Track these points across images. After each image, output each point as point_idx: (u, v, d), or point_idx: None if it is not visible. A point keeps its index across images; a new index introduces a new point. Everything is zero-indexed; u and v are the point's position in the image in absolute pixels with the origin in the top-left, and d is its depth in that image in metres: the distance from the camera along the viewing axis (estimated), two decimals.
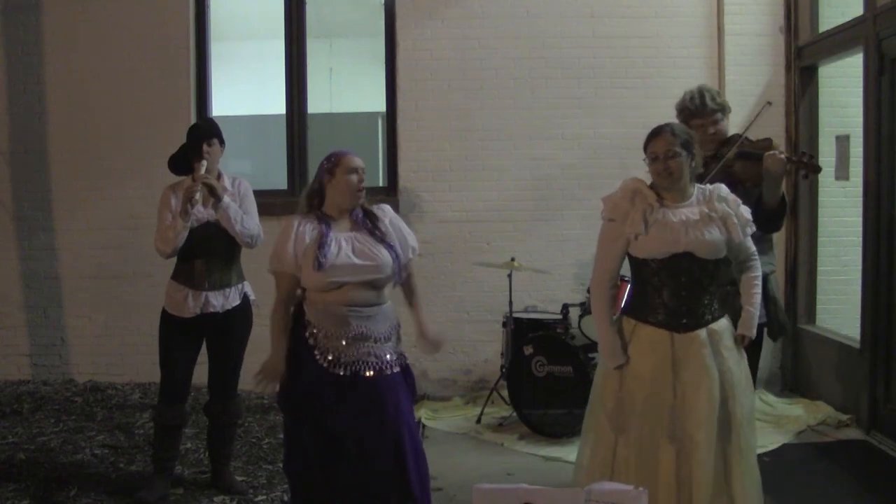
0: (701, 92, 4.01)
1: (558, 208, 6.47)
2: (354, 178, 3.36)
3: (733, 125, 6.31)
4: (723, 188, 3.38)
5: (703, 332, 3.25)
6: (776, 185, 3.73)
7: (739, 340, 3.34)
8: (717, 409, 3.20)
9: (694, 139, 3.36)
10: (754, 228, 3.36)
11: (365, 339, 3.30)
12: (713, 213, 3.26)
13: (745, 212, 3.34)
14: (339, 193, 3.38)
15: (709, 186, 3.37)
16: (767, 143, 3.87)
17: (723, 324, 3.32)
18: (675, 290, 3.26)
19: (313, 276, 3.26)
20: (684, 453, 3.19)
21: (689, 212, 3.26)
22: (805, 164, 3.78)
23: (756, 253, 3.40)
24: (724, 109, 4.02)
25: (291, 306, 3.40)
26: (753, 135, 4.04)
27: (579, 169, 6.43)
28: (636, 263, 3.35)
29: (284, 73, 6.68)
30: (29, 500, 4.25)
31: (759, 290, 3.38)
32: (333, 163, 3.39)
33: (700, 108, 3.97)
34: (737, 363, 3.30)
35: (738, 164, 3.83)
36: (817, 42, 6.13)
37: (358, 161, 3.40)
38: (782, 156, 3.69)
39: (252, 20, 7.65)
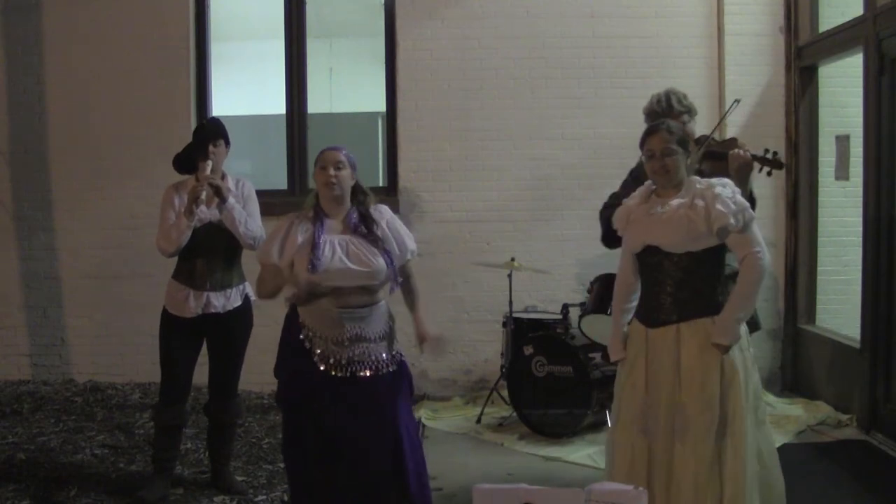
0: (668, 95, 4.14)
1: (558, 208, 6.47)
2: (322, 174, 3.35)
3: (732, 125, 6.37)
4: (713, 181, 3.27)
5: (672, 329, 3.24)
6: (743, 183, 3.81)
7: (715, 347, 3.17)
8: (672, 407, 3.20)
9: (688, 136, 3.40)
10: (733, 221, 3.15)
11: (360, 339, 3.30)
12: (683, 206, 3.23)
13: (723, 204, 3.16)
14: (319, 189, 3.40)
15: (699, 179, 3.33)
16: (733, 143, 3.98)
17: (698, 323, 3.21)
18: (651, 284, 3.32)
19: (307, 279, 3.26)
20: (654, 448, 3.25)
21: (662, 207, 3.28)
22: (769, 161, 3.88)
23: (759, 252, 3.18)
24: (690, 111, 4.13)
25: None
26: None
27: (579, 169, 6.43)
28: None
29: (284, 73, 6.68)
30: (29, 500, 4.25)
31: (745, 291, 3.18)
32: (316, 160, 3.42)
33: (666, 111, 4.10)
34: (702, 364, 3.16)
35: (705, 164, 3.92)
36: (817, 42, 6.13)
37: (332, 156, 3.37)
38: (747, 154, 3.77)
39: (252, 20, 7.65)
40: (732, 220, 3.15)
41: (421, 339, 3.50)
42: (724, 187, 3.24)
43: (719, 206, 3.16)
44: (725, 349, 3.17)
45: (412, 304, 3.59)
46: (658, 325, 3.28)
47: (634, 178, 4.11)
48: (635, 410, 3.30)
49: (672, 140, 3.28)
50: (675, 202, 3.27)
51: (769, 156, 3.89)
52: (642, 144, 3.37)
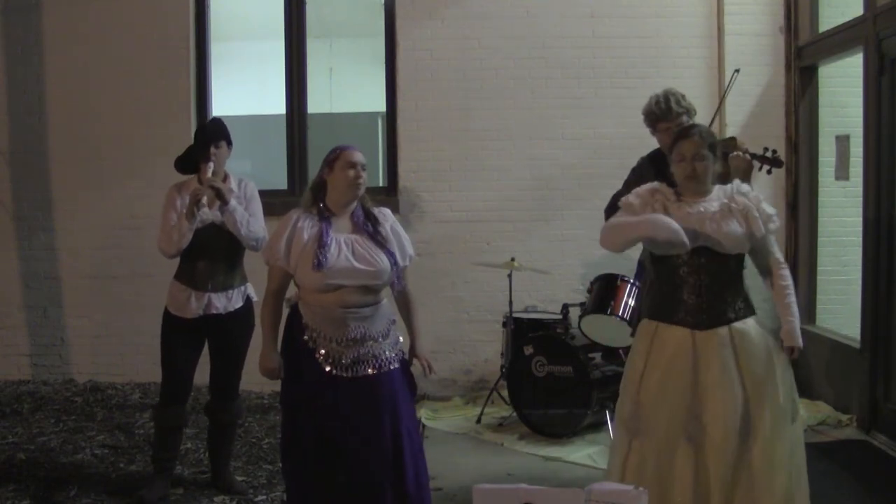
0: (666, 96, 4.14)
1: (558, 208, 6.47)
2: (352, 172, 3.35)
3: (732, 125, 6.37)
4: (744, 185, 3.38)
5: (723, 331, 3.23)
6: (744, 182, 3.82)
7: (788, 353, 3.28)
8: (737, 409, 3.16)
9: (717, 141, 3.40)
10: (777, 224, 3.33)
11: (364, 339, 3.30)
12: (733, 205, 3.27)
13: (768, 207, 3.31)
14: (336, 188, 3.38)
15: (729, 184, 3.37)
16: (732, 143, 3.98)
17: (749, 323, 3.28)
18: (696, 286, 3.25)
19: (311, 276, 3.25)
20: (702, 453, 3.18)
21: (707, 205, 3.27)
22: (769, 160, 3.91)
23: (783, 261, 3.37)
24: (689, 112, 4.13)
25: (282, 299, 3.43)
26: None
27: (579, 169, 6.43)
28: (656, 261, 3.35)
29: (284, 73, 6.68)
30: (29, 500, 4.25)
31: (793, 297, 3.34)
32: (334, 157, 3.39)
33: (665, 112, 4.10)
34: (764, 367, 3.22)
35: None
36: (817, 42, 6.13)
37: (358, 156, 3.38)
38: (747, 154, 3.81)
39: (252, 20, 7.65)
40: (777, 222, 3.31)
41: (413, 356, 3.51)
42: (751, 191, 3.36)
43: (767, 210, 3.29)
44: (795, 351, 3.30)
45: (409, 316, 3.57)
46: (710, 327, 3.24)
47: (638, 178, 4.11)
48: (681, 416, 3.21)
49: (704, 145, 3.29)
50: (721, 202, 3.28)
51: (768, 154, 3.91)
52: (672, 147, 3.35)
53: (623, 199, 3.43)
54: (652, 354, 3.30)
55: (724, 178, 3.80)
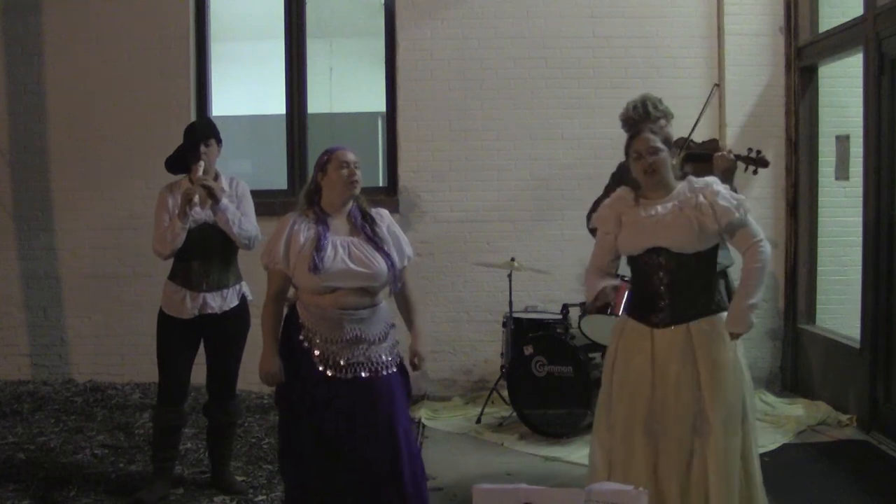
0: (644, 101, 4.19)
1: (558, 208, 6.47)
2: (345, 171, 3.36)
3: (732, 125, 6.37)
4: (708, 179, 3.38)
5: (682, 328, 3.28)
6: (728, 183, 3.85)
7: (729, 337, 3.31)
8: (691, 406, 3.23)
9: (669, 137, 3.47)
10: (738, 214, 3.23)
11: (360, 341, 3.30)
12: (686, 206, 3.28)
13: (725, 200, 3.24)
14: (332, 189, 3.39)
15: (695, 179, 3.39)
16: (714, 144, 4.02)
17: (710, 320, 3.29)
18: (654, 285, 3.32)
19: (308, 279, 3.26)
20: (658, 448, 3.25)
21: (662, 207, 3.31)
22: (754, 160, 3.92)
23: (761, 242, 3.27)
24: (666, 116, 4.18)
25: (283, 303, 3.43)
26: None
27: (579, 169, 6.43)
28: (629, 261, 3.46)
29: (284, 73, 6.68)
30: (29, 500, 4.25)
31: (753, 281, 3.25)
32: (325, 159, 3.41)
33: (643, 117, 4.14)
34: (717, 363, 3.24)
35: (687, 166, 3.93)
36: (817, 42, 6.13)
37: (349, 155, 3.39)
38: (731, 154, 3.84)
39: (252, 20, 7.64)
40: (737, 214, 3.26)
41: (413, 355, 3.52)
42: (717, 184, 3.36)
43: (722, 202, 3.27)
44: (738, 336, 3.28)
45: (409, 315, 3.58)
46: (666, 326, 3.30)
47: (616, 182, 4.14)
48: (640, 411, 3.28)
49: (657, 140, 3.35)
50: (675, 202, 3.31)
51: (753, 154, 3.92)
52: (627, 149, 3.42)
53: (595, 215, 3.55)
54: (619, 350, 3.41)
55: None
